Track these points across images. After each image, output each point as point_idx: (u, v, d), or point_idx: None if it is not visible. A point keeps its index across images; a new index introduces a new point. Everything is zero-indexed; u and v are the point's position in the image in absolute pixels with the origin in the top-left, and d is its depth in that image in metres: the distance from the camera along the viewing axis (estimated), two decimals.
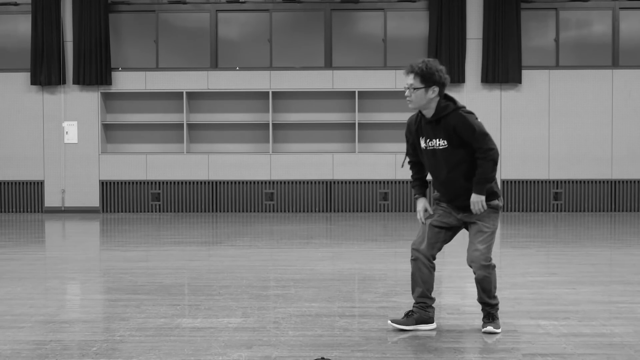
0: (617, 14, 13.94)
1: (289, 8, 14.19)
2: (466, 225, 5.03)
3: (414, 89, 4.76)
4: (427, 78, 4.74)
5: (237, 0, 14.17)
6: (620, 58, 13.93)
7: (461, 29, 13.66)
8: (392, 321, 4.98)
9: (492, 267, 4.93)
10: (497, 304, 4.98)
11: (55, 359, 4.30)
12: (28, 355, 4.38)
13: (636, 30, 14.06)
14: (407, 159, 5.13)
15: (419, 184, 5.11)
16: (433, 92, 4.75)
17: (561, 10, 14.01)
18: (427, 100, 4.77)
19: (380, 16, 14.11)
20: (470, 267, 4.95)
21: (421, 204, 5.04)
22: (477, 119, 4.83)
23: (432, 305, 5.03)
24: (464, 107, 4.85)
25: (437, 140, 4.80)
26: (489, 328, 4.86)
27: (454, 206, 4.96)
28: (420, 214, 5.04)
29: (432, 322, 5.00)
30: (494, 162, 4.77)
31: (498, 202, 4.91)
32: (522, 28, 13.85)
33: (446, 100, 4.82)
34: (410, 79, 4.79)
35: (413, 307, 5.01)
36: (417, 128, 4.93)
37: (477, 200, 4.79)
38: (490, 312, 4.94)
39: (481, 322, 4.97)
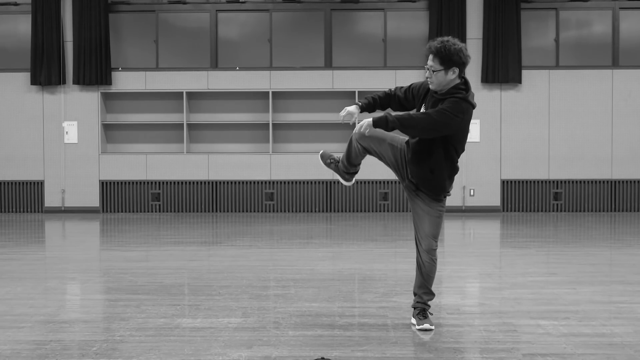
0: (617, 14, 13.94)
1: (289, 8, 14.19)
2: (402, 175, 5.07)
3: (434, 71, 4.71)
4: (446, 60, 4.66)
5: (237, 0, 14.18)
6: (620, 58, 13.93)
7: (461, 29, 13.66)
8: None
9: (436, 252, 5.03)
10: (432, 293, 5.08)
11: (55, 359, 4.30)
12: (28, 355, 4.38)
13: (636, 30, 14.06)
14: (391, 90, 5.09)
15: (371, 100, 5.04)
16: (453, 73, 4.70)
17: (561, 10, 14.01)
18: (447, 81, 4.72)
19: (380, 16, 14.11)
20: (418, 250, 5.03)
21: (353, 107, 4.97)
22: (463, 110, 4.69)
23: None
24: (470, 101, 4.75)
25: None
26: (426, 325, 4.92)
27: (411, 173, 4.99)
28: (344, 112, 4.97)
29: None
30: (412, 122, 4.66)
31: (445, 194, 5.01)
32: (522, 28, 13.85)
33: (464, 87, 4.76)
34: (431, 60, 4.72)
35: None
36: (426, 94, 4.90)
37: (365, 120, 4.77)
38: (424, 309, 5.03)
39: (414, 319, 5.02)
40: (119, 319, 5.28)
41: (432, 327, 4.93)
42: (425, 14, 13.98)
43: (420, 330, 4.90)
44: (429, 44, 4.77)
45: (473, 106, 4.79)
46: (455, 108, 4.67)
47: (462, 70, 4.73)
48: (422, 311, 5.01)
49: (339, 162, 5.35)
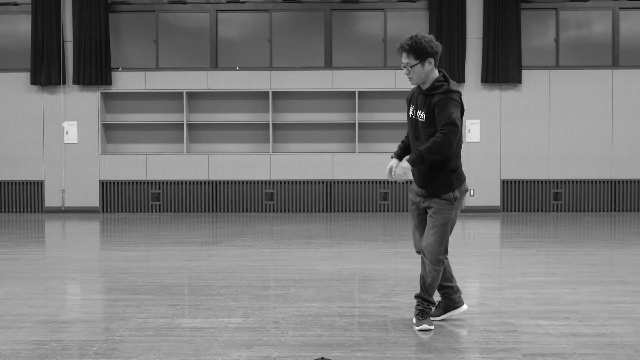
0: (617, 14, 13.94)
1: (289, 8, 14.19)
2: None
3: (411, 66, 4.85)
4: (420, 53, 4.81)
5: (237, 0, 14.18)
6: (620, 58, 13.93)
7: (461, 29, 13.66)
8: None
9: (442, 262, 4.98)
10: (433, 302, 5.10)
11: (55, 359, 4.30)
12: (28, 355, 4.38)
13: (636, 30, 14.06)
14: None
15: (402, 147, 5.18)
16: (429, 63, 4.84)
17: (561, 10, 14.01)
18: (425, 73, 4.85)
19: (380, 16, 14.11)
20: (422, 260, 5.03)
21: (392, 162, 5.08)
22: (457, 106, 4.78)
23: (457, 291, 5.20)
24: (457, 92, 4.85)
25: (421, 112, 4.90)
26: (425, 326, 4.94)
27: (416, 182, 5.03)
28: (388, 171, 5.05)
29: (460, 305, 5.21)
30: (440, 148, 4.70)
31: (453, 194, 4.92)
32: (522, 28, 13.85)
33: (444, 79, 4.88)
34: (405, 58, 4.87)
35: (440, 297, 5.26)
36: (411, 97, 5.07)
37: (402, 166, 4.86)
38: (424, 309, 5.03)
39: (413, 319, 5.05)
40: (119, 319, 5.28)
41: (431, 328, 4.93)
42: (425, 14, 13.98)
43: (419, 330, 4.90)
44: (400, 44, 4.89)
45: (460, 93, 4.91)
46: (452, 103, 4.78)
47: (436, 59, 4.86)
48: (421, 312, 5.01)
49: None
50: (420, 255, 5.18)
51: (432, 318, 5.15)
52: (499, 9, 13.59)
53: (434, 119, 4.80)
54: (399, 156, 5.14)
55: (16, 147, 14.13)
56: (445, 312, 5.18)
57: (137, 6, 14.24)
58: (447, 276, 5.15)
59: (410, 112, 5.01)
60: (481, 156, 13.76)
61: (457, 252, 8.88)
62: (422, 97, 4.91)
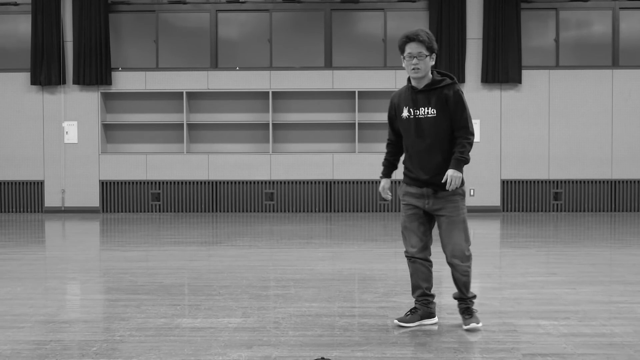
0: (617, 14, 13.94)
1: (289, 8, 14.19)
2: (432, 216, 5.07)
3: (425, 56, 4.82)
4: (432, 46, 4.85)
5: (237, 0, 14.18)
6: (620, 58, 13.93)
7: (461, 29, 13.66)
8: (398, 320, 5.09)
9: (471, 257, 5.00)
10: (474, 297, 5.07)
11: (55, 359, 4.30)
12: (28, 355, 4.38)
13: (636, 30, 14.06)
14: (388, 140, 5.23)
15: (387, 165, 5.26)
16: (432, 59, 4.87)
17: (561, 10, 14.01)
18: (429, 67, 4.87)
19: (380, 16, 14.11)
20: (451, 263, 4.96)
21: (384, 182, 5.24)
22: (461, 90, 4.96)
23: (434, 301, 5.15)
24: (458, 84, 4.98)
25: (426, 109, 4.86)
26: (473, 325, 4.90)
27: (422, 183, 4.97)
28: (383, 192, 5.26)
29: (434, 316, 5.13)
30: (471, 146, 4.87)
31: (462, 188, 4.97)
32: (522, 28, 13.85)
33: (440, 74, 4.95)
34: (419, 47, 4.81)
35: (415, 304, 5.11)
36: (399, 101, 5.00)
37: (456, 176, 4.80)
38: (468, 306, 5.01)
39: (461, 319, 5.03)
40: (119, 319, 5.28)
41: (479, 325, 4.91)
42: (425, 14, 13.98)
43: (466, 330, 4.88)
44: (414, 33, 4.83)
45: None
46: (465, 102, 4.87)
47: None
48: (465, 310, 4.98)
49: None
50: (406, 260, 5.17)
51: (406, 324, 5.00)
52: (499, 9, 13.59)
53: (447, 112, 4.82)
54: (387, 175, 5.24)
55: (16, 147, 14.13)
56: (421, 319, 5.06)
57: (137, 6, 14.24)
58: (430, 286, 5.09)
59: (405, 114, 4.93)
60: (481, 156, 13.75)
61: None
62: (422, 94, 4.88)
